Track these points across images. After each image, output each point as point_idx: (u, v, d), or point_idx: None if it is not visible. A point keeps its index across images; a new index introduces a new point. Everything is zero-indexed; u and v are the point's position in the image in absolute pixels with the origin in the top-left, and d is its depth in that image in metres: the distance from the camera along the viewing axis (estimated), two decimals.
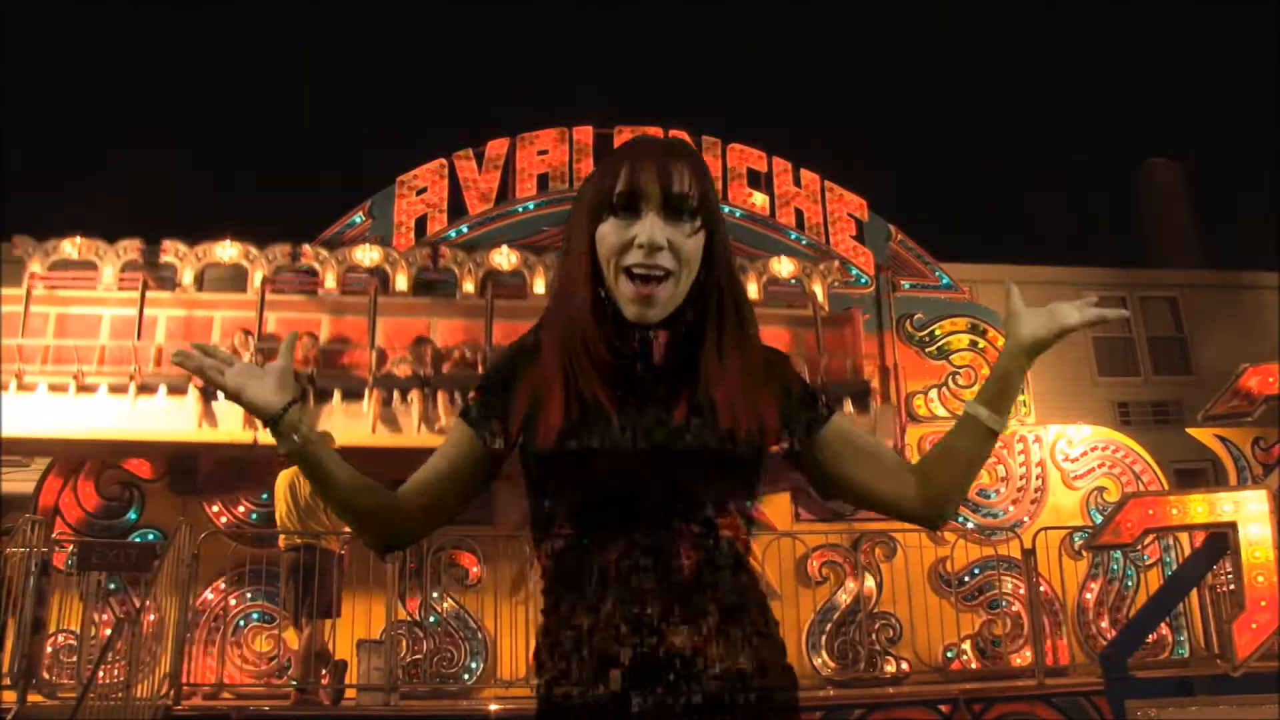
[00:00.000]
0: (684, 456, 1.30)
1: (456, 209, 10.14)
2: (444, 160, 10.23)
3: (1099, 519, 8.39)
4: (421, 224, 9.98)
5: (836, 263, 9.82)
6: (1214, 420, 7.08)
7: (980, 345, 10.10)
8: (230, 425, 8.02)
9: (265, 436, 7.24)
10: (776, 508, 8.77)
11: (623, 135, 10.02)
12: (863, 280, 10.21)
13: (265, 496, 8.41)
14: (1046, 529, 8.18)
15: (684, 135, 10.35)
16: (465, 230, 9.94)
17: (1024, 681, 7.55)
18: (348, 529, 7.02)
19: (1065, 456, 9.62)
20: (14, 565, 6.93)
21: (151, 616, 6.96)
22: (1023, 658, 8.34)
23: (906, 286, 10.42)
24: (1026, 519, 9.19)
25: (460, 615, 8.05)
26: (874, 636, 8.38)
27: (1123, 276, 15.62)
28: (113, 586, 7.80)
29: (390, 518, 1.44)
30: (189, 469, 8.49)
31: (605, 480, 1.30)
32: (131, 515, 8.36)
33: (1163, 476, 9.72)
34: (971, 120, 40.53)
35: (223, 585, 7.98)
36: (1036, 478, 9.53)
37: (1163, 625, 8.05)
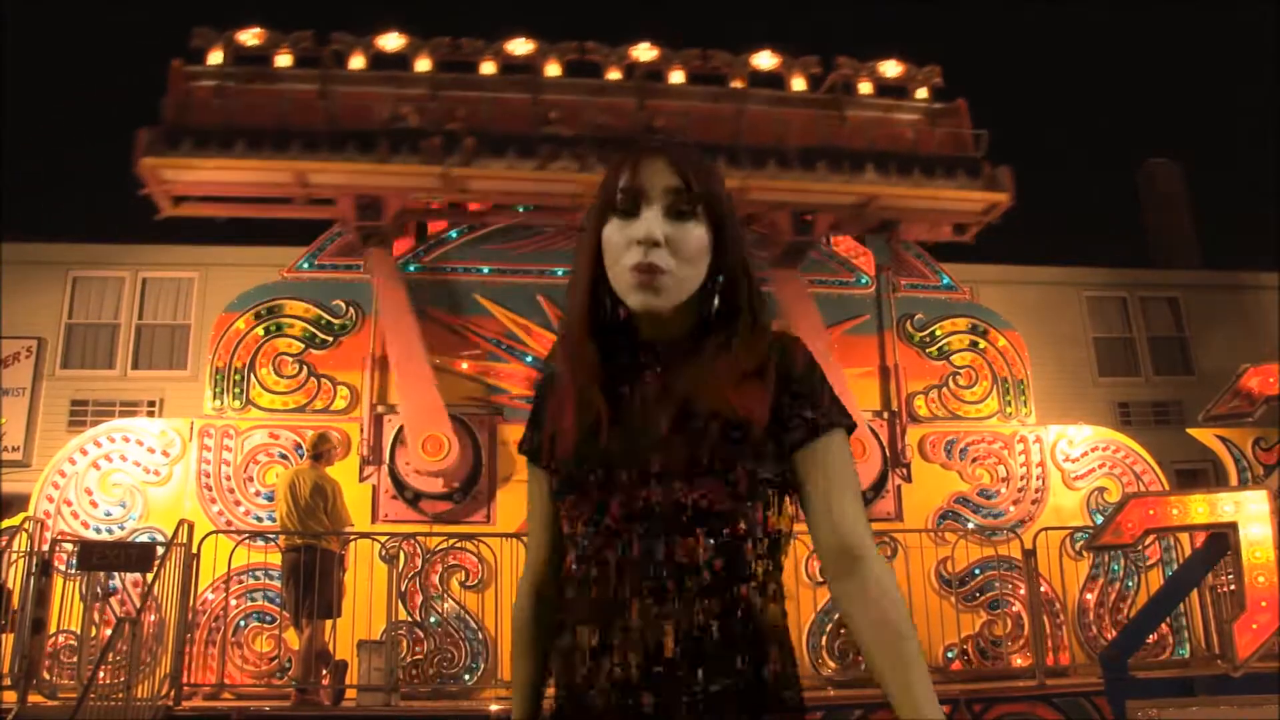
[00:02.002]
0: (688, 465, 1.30)
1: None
2: None
3: (1100, 519, 8.38)
4: (422, 224, 9.97)
5: (939, 67, 9.96)
6: (1215, 420, 7.08)
7: (980, 346, 10.09)
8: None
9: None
10: None
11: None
12: (863, 280, 10.20)
13: (267, 497, 8.42)
14: (1047, 529, 8.18)
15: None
16: (466, 230, 9.93)
17: (1024, 682, 7.55)
18: (348, 530, 7.05)
19: (1066, 457, 9.62)
20: (14, 565, 6.95)
21: (152, 617, 6.97)
22: (1023, 658, 8.34)
23: (907, 287, 10.42)
24: (1027, 519, 9.19)
25: (461, 616, 8.05)
26: None
27: (1123, 277, 15.64)
28: (114, 586, 7.80)
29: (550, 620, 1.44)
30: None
31: (611, 489, 1.31)
32: (132, 516, 8.37)
33: (1163, 477, 9.72)
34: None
35: (223, 585, 7.97)
36: (1037, 478, 9.52)
37: (1163, 625, 8.05)
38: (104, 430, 8.79)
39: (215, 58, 8.93)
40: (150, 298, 14.26)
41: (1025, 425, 9.80)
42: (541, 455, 1.43)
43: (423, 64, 9.21)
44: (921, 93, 9.85)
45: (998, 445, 9.60)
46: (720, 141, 8.95)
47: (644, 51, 9.34)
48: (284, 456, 8.66)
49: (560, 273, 9.50)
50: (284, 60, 9.08)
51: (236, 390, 8.99)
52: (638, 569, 1.29)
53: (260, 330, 9.19)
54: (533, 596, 1.47)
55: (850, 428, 1.37)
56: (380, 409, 8.98)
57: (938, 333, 10.09)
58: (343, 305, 9.35)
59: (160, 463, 8.56)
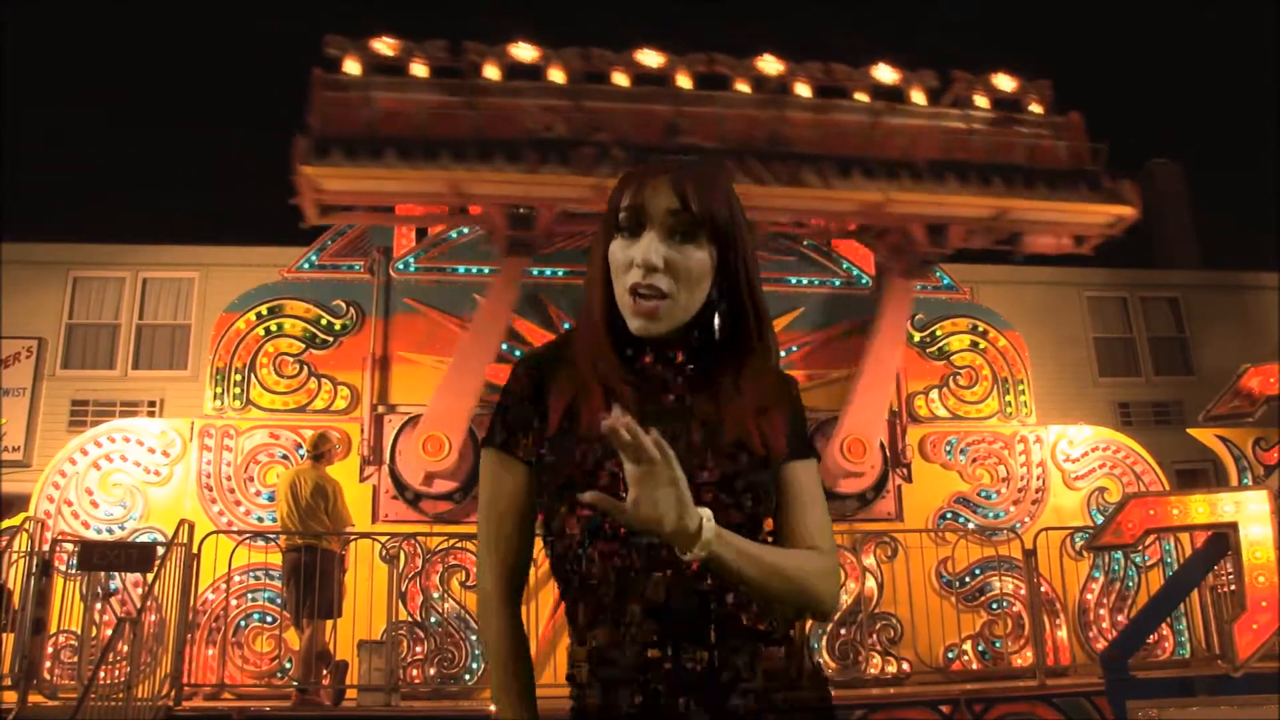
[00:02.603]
0: (697, 474, 1.30)
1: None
2: None
3: (1100, 519, 8.39)
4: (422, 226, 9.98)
5: (1049, 82, 9.96)
6: (1215, 421, 7.09)
7: (981, 346, 10.09)
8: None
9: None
10: None
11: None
12: (864, 280, 10.20)
13: (268, 497, 8.42)
14: (1047, 529, 8.18)
15: None
16: (466, 231, 9.92)
17: (1025, 682, 7.55)
18: (349, 530, 7.05)
19: (1066, 457, 9.62)
20: (14, 565, 6.95)
21: (152, 617, 6.97)
22: (1024, 658, 8.34)
23: None
24: (1027, 519, 9.19)
25: (461, 615, 8.05)
26: (875, 637, 8.38)
27: (1123, 277, 15.63)
28: (114, 586, 7.80)
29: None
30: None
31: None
32: (133, 516, 8.37)
33: (1164, 477, 9.72)
34: None
35: (223, 585, 7.97)
36: (1037, 478, 9.52)
37: (1163, 625, 8.05)
38: (104, 430, 8.79)
39: (352, 67, 8.81)
40: (150, 298, 14.27)
41: (1025, 425, 9.80)
42: (525, 444, 1.39)
43: (555, 74, 9.08)
44: (1035, 106, 9.80)
45: (998, 445, 9.60)
46: (852, 154, 9.00)
47: (770, 64, 9.32)
48: (284, 457, 8.66)
49: (561, 273, 9.50)
50: (419, 69, 8.93)
51: (237, 390, 8.99)
52: (652, 572, 1.30)
53: (260, 330, 9.19)
54: (510, 602, 1.40)
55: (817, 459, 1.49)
56: (381, 409, 8.98)
57: (938, 333, 10.09)
58: (343, 305, 9.35)
59: (160, 463, 8.56)
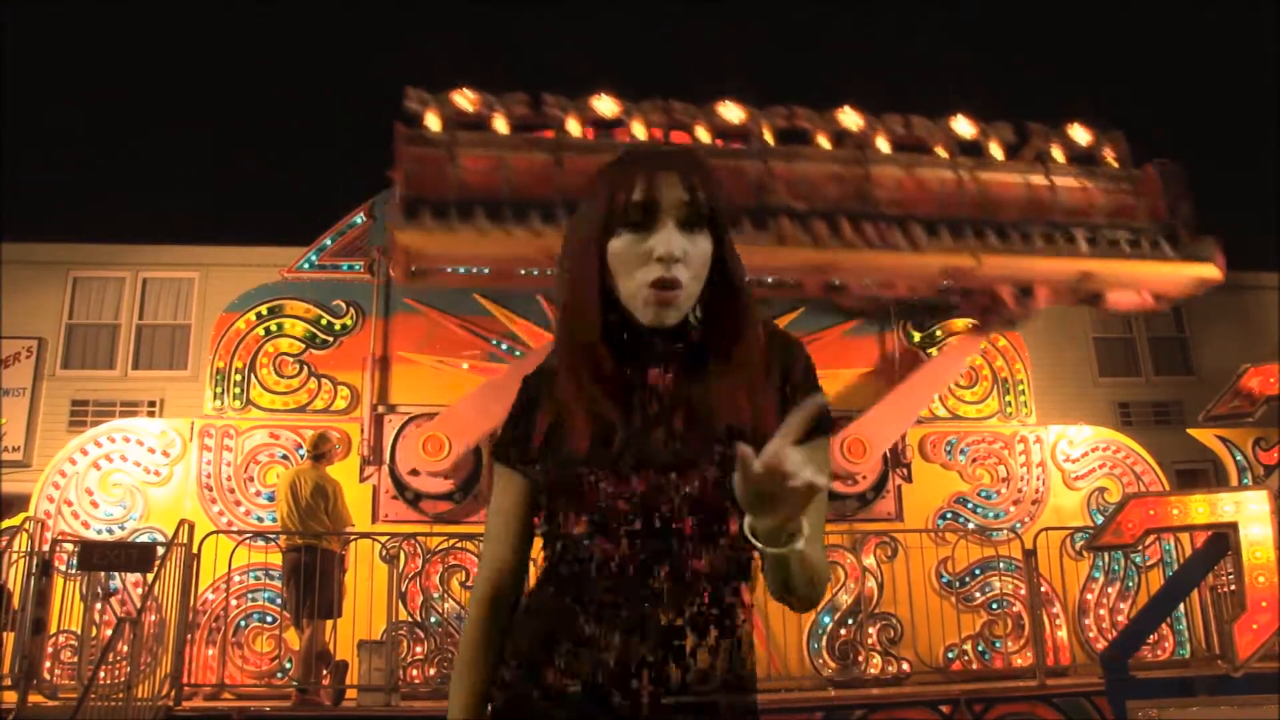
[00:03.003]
0: (689, 471, 1.31)
1: None
2: None
3: (1100, 520, 8.39)
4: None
5: (1122, 134, 9.72)
6: (1215, 421, 7.09)
7: (981, 345, 10.09)
8: None
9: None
10: None
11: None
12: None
13: (268, 497, 8.42)
14: (1047, 530, 8.18)
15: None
16: None
17: (1025, 682, 7.55)
18: (349, 530, 7.06)
19: (1066, 457, 9.62)
20: (14, 565, 6.95)
21: (152, 617, 6.97)
22: (1024, 658, 8.34)
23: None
24: (1027, 520, 9.19)
25: (461, 615, 8.04)
26: (875, 637, 8.38)
27: None
28: (114, 586, 7.80)
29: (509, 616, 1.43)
30: None
31: (614, 496, 1.32)
32: (133, 516, 8.37)
33: (1164, 477, 9.72)
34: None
35: (223, 585, 7.98)
36: (1037, 479, 9.52)
37: (1164, 626, 8.05)
38: (104, 430, 8.79)
39: (433, 122, 8.42)
40: (150, 298, 14.28)
41: (1025, 425, 9.80)
42: (518, 455, 1.43)
43: (636, 128, 8.84)
44: (1109, 158, 9.47)
45: (998, 445, 9.60)
46: (938, 213, 8.68)
47: (850, 118, 8.97)
48: (284, 457, 8.66)
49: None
50: (500, 124, 8.58)
51: (237, 390, 9.00)
52: (640, 570, 1.30)
53: (260, 330, 9.19)
54: (492, 604, 1.43)
55: (830, 435, 1.43)
56: (381, 409, 8.98)
57: (938, 333, 10.09)
58: (343, 305, 9.35)
59: (161, 463, 8.56)
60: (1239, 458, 6.83)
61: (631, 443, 1.33)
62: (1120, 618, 8.70)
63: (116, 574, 7.59)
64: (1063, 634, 8.71)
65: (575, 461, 1.33)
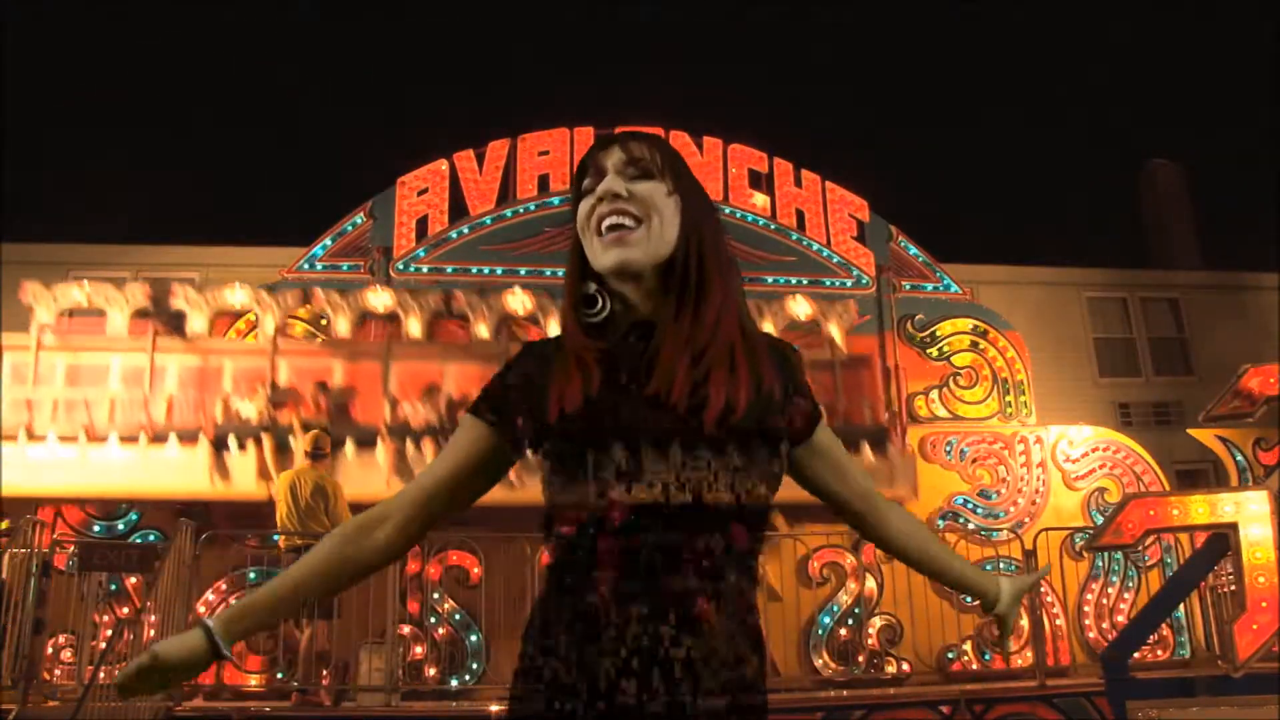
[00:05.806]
0: (685, 444, 1.29)
1: (457, 209, 10.14)
2: (445, 161, 10.24)
3: (1100, 520, 8.39)
4: (422, 225, 9.99)
5: (853, 302, 9.65)
6: (1215, 421, 7.08)
7: (981, 346, 10.10)
8: (243, 480, 7.99)
9: (276, 488, 7.26)
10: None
11: None
12: (864, 281, 10.21)
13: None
14: (1048, 530, 8.17)
15: (685, 136, 10.36)
16: (466, 231, 9.94)
17: (1025, 682, 7.54)
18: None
19: (1066, 457, 9.62)
20: (14, 566, 6.94)
21: (153, 618, 6.96)
22: (1023, 658, 8.34)
23: (907, 287, 10.42)
24: (1027, 520, 9.19)
25: (462, 615, 8.04)
26: (875, 637, 8.38)
27: (1124, 277, 15.61)
28: (114, 588, 7.80)
29: (367, 558, 1.41)
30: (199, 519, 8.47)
31: (613, 473, 1.29)
32: (133, 516, 8.37)
33: (1164, 477, 9.72)
34: (972, 120, 40.55)
35: (224, 586, 7.97)
36: (1038, 479, 9.53)
37: (1164, 626, 8.04)
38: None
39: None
40: None
41: (1025, 426, 9.81)
42: (487, 407, 1.41)
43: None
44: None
45: (998, 445, 9.60)
46: None
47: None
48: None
49: (561, 273, 9.50)
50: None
51: None
52: (644, 568, 1.28)
53: None
54: (376, 523, 1.41)
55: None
56: None
57: (938, 333, 10.10)
58: None
59: None
60: (1239, 458, 6.82)
61: (626, 418, 1.30)
62: (1120, 618, 8.70)
63: (116, 574, 7.58)
64: (1063, 634, 8.70)
65: (578, 418, 1.31)
